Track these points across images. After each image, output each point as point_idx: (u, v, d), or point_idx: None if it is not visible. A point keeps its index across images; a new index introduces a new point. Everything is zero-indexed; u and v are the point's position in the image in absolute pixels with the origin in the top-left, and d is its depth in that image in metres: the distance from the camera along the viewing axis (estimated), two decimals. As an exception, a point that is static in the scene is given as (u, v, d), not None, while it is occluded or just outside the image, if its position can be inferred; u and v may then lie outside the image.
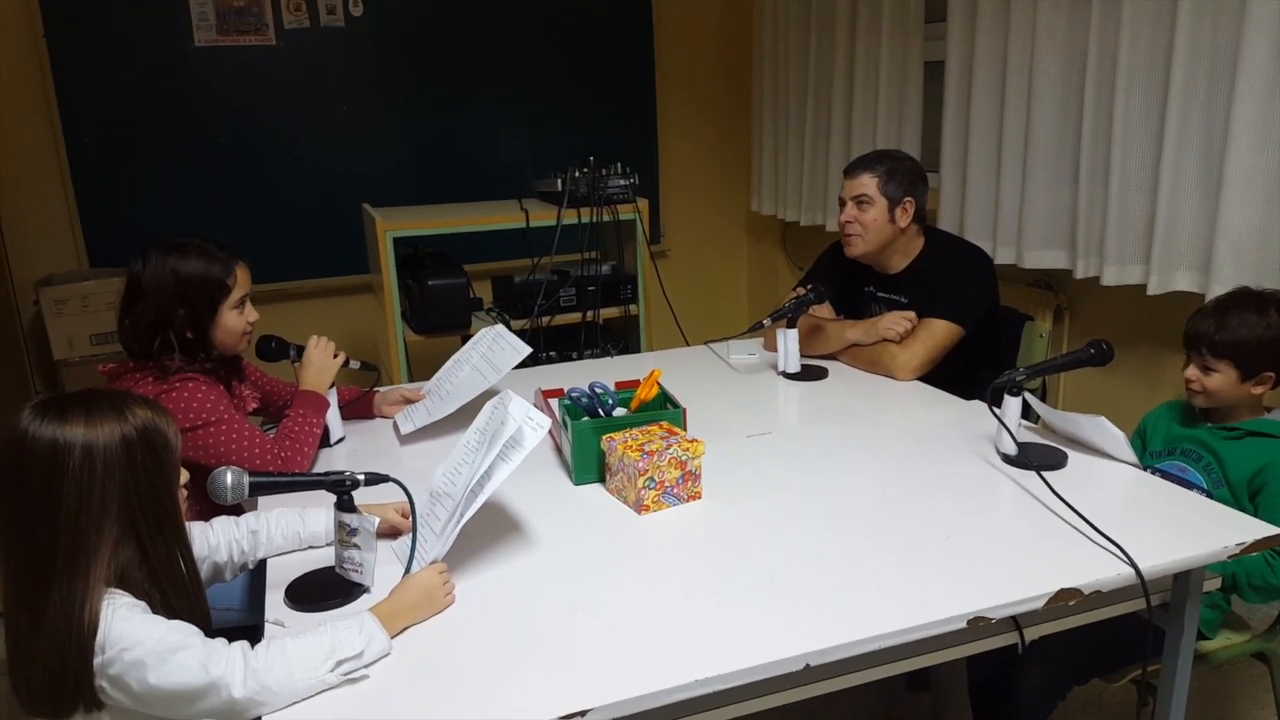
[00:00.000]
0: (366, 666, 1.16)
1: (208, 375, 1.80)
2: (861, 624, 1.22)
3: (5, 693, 1.17)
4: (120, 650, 1.10)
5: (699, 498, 1.64)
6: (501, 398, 1.45)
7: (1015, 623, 1.42)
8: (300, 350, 1.97)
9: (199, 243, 1.81)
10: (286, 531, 1.49)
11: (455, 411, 1.96)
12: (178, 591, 1.22)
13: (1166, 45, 2.35)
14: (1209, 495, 1.70)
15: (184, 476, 1.27)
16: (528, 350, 1.99)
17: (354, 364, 2.07)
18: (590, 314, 3.12)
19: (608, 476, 1.69)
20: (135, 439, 1.17)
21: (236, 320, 1.85)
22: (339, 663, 1.13)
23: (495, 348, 2.04)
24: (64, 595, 1.11)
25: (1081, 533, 1.45)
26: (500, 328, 2.10)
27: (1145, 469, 1.72)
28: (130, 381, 1.76)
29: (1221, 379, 1.74)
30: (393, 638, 1.21)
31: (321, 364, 1.94)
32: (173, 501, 1.22)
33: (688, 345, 2.71)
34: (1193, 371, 1.77)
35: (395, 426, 2.06)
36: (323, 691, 1.13)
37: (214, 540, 1.46)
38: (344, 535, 1.34)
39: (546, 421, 1.40)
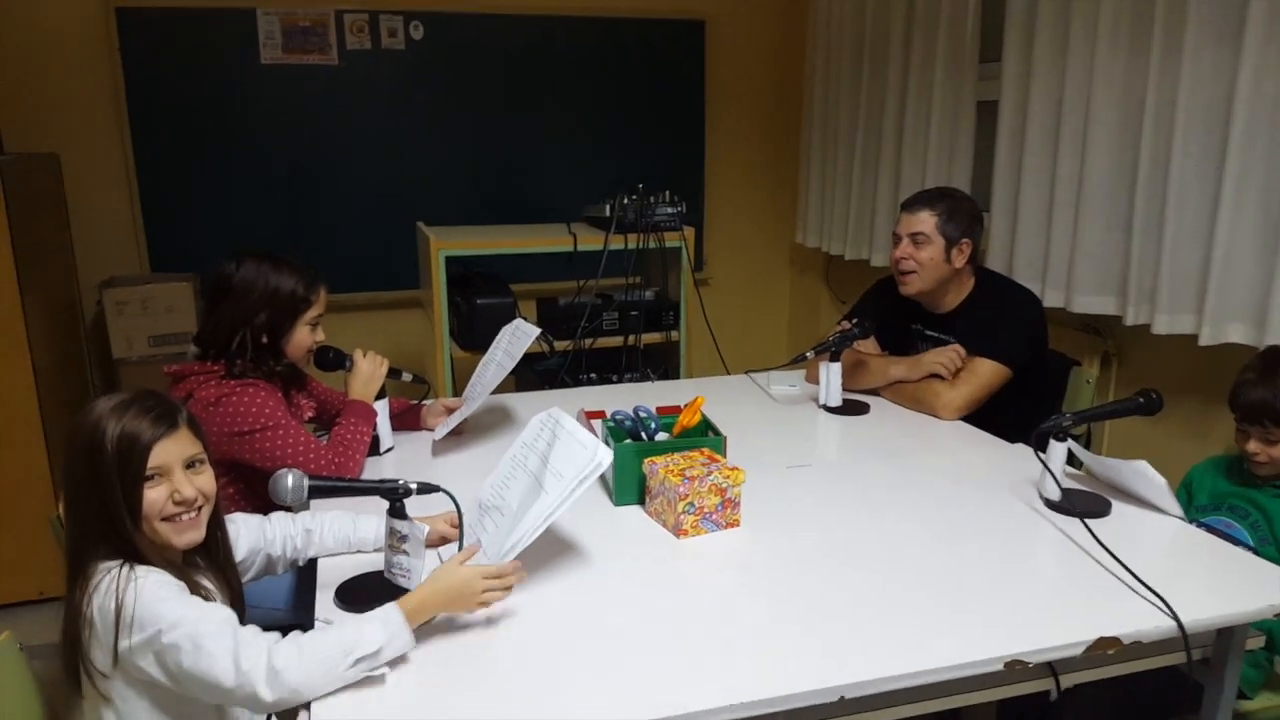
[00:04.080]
0: (385, 663, 1.19)
1: (269, 381, 1.87)
2: (898, 659, 1.23)
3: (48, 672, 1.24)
4: (158, 631, 1.15)
5: (737, 525, 1.65)
6: (552, 416, 1.48)
7: (1051, 668, 1.41)
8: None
9: (289, 258, 1.92)
10: (338, 534, 1.54)
11: (488, 417, 1.99)
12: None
13: (1227, 94, 2.34)
14: (1255, 553, 1.67)
15: (182, 494, 1.26)
16: (537, 331, 2.05)
17: (406, 376, 2.12)
18: (632, 338, 3.15)
19: (648, 499, 1.71)
20: (99, 441, 1.21)
21: (307, 336, 1.94)
22: (358, 660, 1.17)
23: (515, 339, 2.09)
24: (72, 578, 1.20)
25: (1123, 582, 1.44)
26: (518, 320, 2.15)
27: (1190, 522, 1.70)
28: (194, 383, 1.82)
29: None
30: (419, 626, 1.24)
31: (370, 374, 2.01)
32: (119, 515, 1.21)
33: (728, 373, 2.73)
34: (1256, 445, 1.75)
35: (438, 438, 2.10)
36: (344, 688, 1.16)
37: (270, 534, 1.52)
38: (395, 541, 1.38)
39: (608, 456, 1.40)
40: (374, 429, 1.95)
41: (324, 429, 2.12)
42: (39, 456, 2.90)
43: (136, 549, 1.22)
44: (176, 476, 1.26)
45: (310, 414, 2.04)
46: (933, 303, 2.39)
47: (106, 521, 1.21)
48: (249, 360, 1.84)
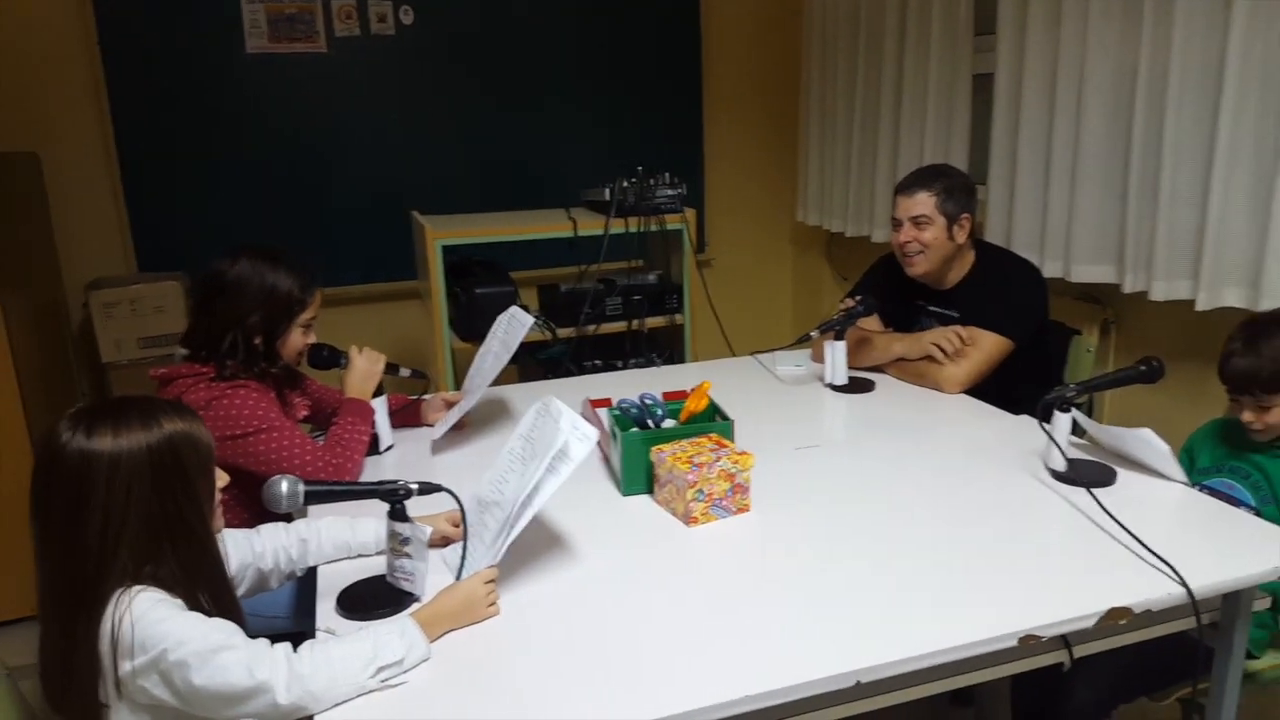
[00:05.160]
0: (406, 672, 1.19)
1: (261, 382, 1.83)
2: (912, 641, 1.23)
3: (37, 693, 1.19)
4: (163, 650, 1.10)
5: (748, 510, 1.65)
6: (546, 404, 1.45)
7: (1064, 640, 1.42)
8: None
9: (288, 256, 1.86)
10: (336, 540, 1.51)
11: (489, 410, 1.99)
12: (207, 595, 1.23)
13: (1218, 59, 2.32)
14: (1257, 513, 1.68)
15: (222, 480, 1.28)
16: (531, 320, 2.01)
17: (404, 371, 2.10)
18: (636, 323, 3.14)
19: (656, 488, 1.71)
20: (162, 451, 1.16)
21: (299, 339, 1.90)
22: (380, 669, 1.16)
23: (510, 328, 2.06)
24: (90, 609, 1.12)
25: (1132, 551, 1.44)
26: (513, 308, 2.11)
27: (1193, 486, 1.71)
28: (182, 386, 1.78)
29: None
30: (432, 641, 1.23)
31: (366, 371, 1.97)
32: (198, 514, 1.21)
33: (733, 355, 2.72)
34: (1249, 415, 1.74)
35: (436, 433, 2.09)
36: (362, 695, 1.15)
37: (259, 547, 1.47)
38: (396, 544, 1.35)
39: (594, 433, 1.40)
40: (373, 427, 1.93)
41: (320, 429, 2.08)
42: (25, 468, 2.84)
43: (205, 553, 1.21)
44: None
45: (304, 413, 2.01)
46: (936, 279, 2.38)
47: (173, 529, 1.17)
48: (240, 362, 1.80)
